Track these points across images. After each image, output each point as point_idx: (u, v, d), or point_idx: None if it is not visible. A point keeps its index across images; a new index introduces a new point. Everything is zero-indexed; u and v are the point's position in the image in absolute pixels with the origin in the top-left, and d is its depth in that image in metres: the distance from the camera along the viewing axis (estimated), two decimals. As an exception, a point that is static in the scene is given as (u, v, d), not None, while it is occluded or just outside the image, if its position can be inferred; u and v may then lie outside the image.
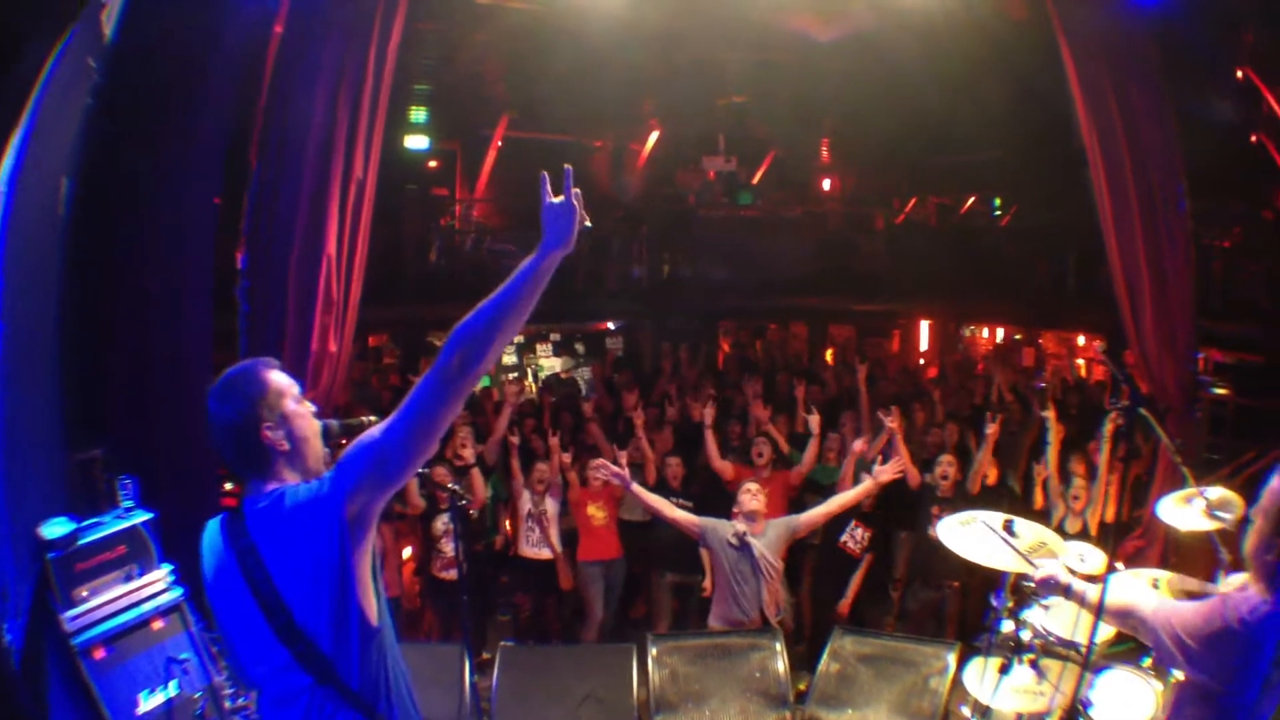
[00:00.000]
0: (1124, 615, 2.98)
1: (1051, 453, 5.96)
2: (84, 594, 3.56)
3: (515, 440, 6.38)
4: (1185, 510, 4.36)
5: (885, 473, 5.49)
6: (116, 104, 4.60)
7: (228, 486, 5.18)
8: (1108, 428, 5.72)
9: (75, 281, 4.41)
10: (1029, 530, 4.09)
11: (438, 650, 5.18)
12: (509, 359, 13.88)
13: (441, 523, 6.01)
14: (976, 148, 14.26)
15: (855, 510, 5.99)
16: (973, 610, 5.89)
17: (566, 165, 2.16)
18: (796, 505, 6.27)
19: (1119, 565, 4.37)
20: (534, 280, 2.11)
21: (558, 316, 13.20)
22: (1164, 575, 4.40)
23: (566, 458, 6.39)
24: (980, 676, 4.23)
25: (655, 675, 4.90)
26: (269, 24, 5.40)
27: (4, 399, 3.65)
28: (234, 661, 3.63)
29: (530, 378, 13.66)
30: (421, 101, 14.23)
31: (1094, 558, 4.63)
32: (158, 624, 3.76)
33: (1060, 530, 5.47)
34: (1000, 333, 15.33)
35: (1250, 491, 2.88)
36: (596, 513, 6.38)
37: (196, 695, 3.73)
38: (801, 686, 5.19)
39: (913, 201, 16.64)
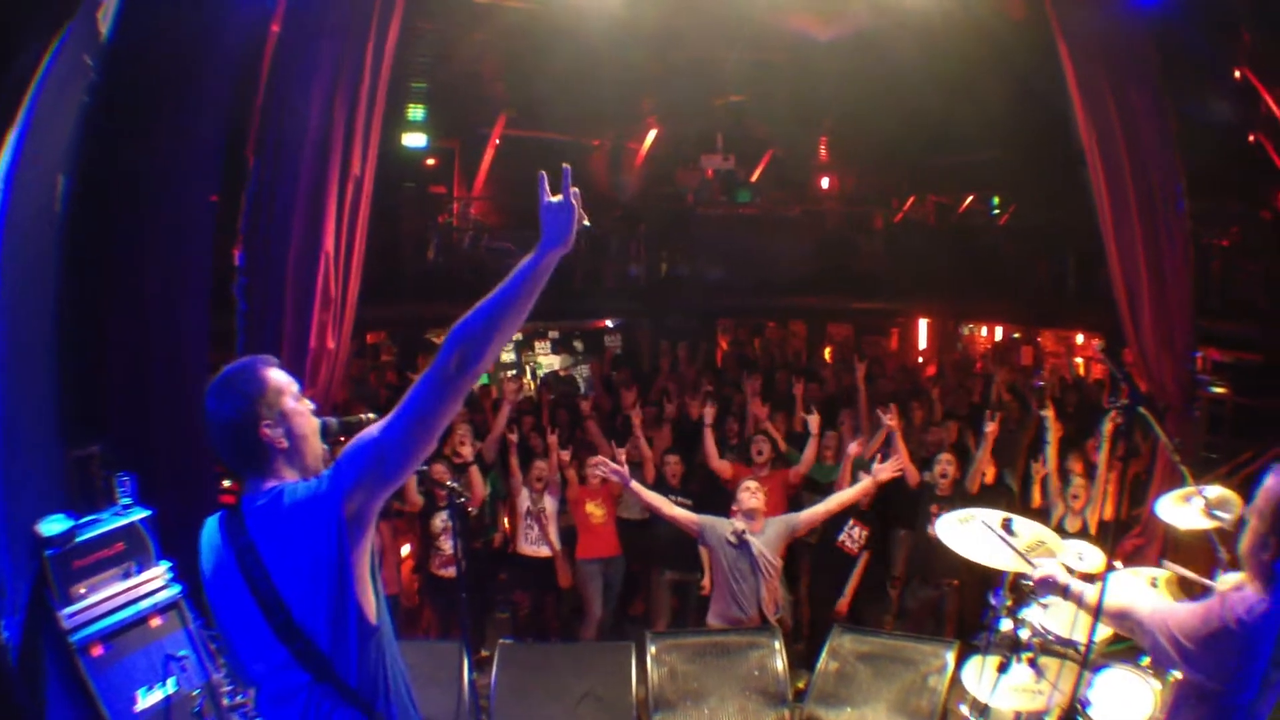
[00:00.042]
0: (1121, 617, 2.99)
1: (1050, 451, 5.97)
2: (82, 591, 3.55)
3: (514, 438, 6.39)
4: (1184, 509, 4.37)
5: (884, 471, 5.51)
6: (113, 102, 4.58)
7: (226, 484, 5.16)
8: (1106, 426, 5.73)
9: (72, 279, 4.39)
10: (1027, 529, 4.10)
11: (436, 648, 5.17)
12: (508, 356, 13.88)
13: (440, 520, 6.01)
14: (975, 147, 14.27)
15: (853, 509, 5.99)
16: (971, 609, 5.88)
17: (565, 164, 2.16)
18: (795, 503, 6.29)
19: (1117, 564, 4.37)
20: (533, 279, 2.11)
21: (556, 314, 13.21)
22: (1162, 573, 4.41)
23: (565, 455, 6.40)
24: (979, 675, 4.23)
25: (654, 673, 4.90)
26: (266, 22, 5.39)
27: (2, 396, 3.65)
28: (232, 659, 3.63)
29: (529, 375, 13.67)
30: (419, 99, 14.22)
31: (1092, 556, 4.63)
32: (156, 621, 3.75)
33: (1059, 529, 5.47)
34: (999, 331, 15.34)
35: (1248, 490, 2.88)
36: (595, 510, 6.38)
37: (194, 693, 3.72)
38: (800, 685, 5.19)
39: (911, 200, 16.65)
